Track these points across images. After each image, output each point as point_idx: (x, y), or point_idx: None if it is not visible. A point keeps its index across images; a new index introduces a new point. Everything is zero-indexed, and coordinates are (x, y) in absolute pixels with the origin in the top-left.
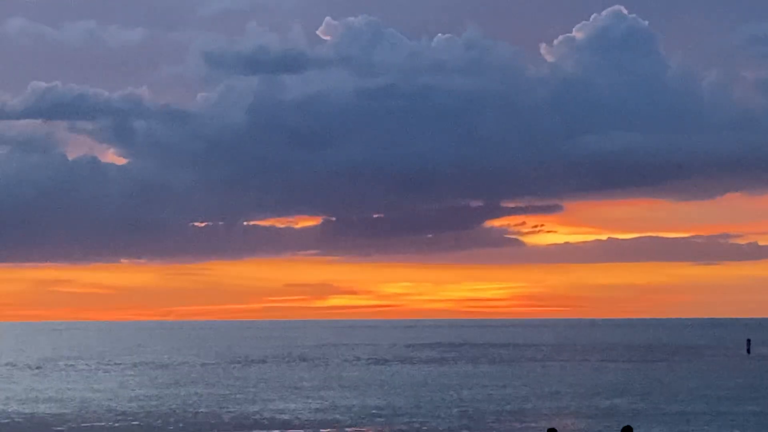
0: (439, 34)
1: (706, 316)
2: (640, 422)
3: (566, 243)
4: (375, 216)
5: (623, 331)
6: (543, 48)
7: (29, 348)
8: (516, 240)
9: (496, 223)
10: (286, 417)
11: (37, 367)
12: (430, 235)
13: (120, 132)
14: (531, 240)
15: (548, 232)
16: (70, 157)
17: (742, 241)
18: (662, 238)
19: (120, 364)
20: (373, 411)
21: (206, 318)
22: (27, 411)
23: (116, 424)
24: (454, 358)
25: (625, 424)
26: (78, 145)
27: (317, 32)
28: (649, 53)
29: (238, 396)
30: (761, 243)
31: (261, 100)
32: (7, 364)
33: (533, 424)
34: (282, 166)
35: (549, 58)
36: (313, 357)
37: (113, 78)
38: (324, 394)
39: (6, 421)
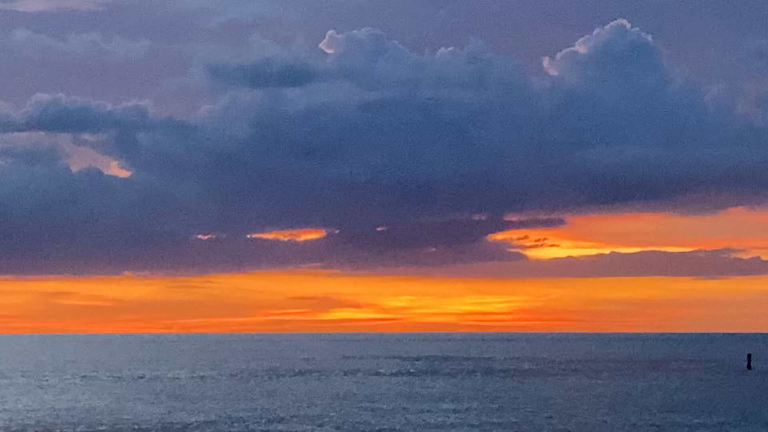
0: (442, 48)
1: (708, 331)
2: None
3: (569, 257)
4: (378, 229)
5: (624, 345)
6: (546, 62)
7: (30, 360)
8: (518, 254)
9: (499, 236)
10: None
11: (42, 380)
12: (432, 249)
13: (123, 144)
14: (534, 254)
15: (551, 245)
16: (74, 169)
17: (744, 256)
18: (665, 252)
19: (117, 377)
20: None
21: (208, 331)
22: (14, 427)
23: None
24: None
25: None
26: (81, 157)
27: (320, 45)
28: (652, 67)
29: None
30: (764, 258)
31: (265, 113)
32: (6, 377)
33: None
34: (285, 179)
35: (552, 72)
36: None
37: (117, 90)
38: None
39: None
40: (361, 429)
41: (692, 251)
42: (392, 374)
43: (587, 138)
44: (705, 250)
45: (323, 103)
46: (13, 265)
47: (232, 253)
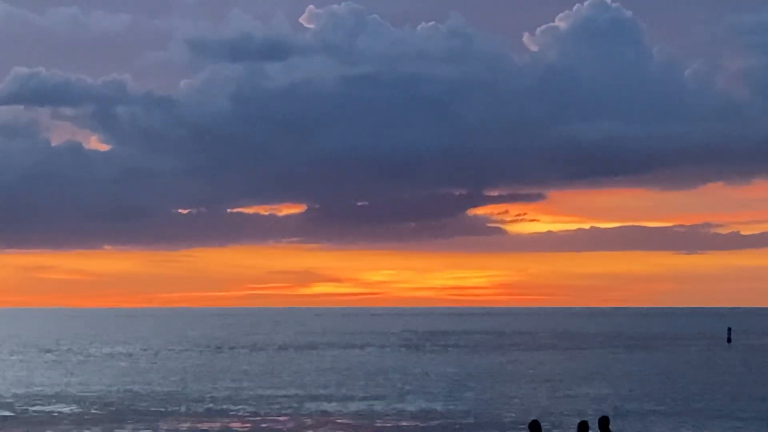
0: (423, 23)
1: (687, 306)
2: (616, 412)
3: (549, 232)
4: (359, 204)
5: (604, 320)
6: (526, 37)
7: (8, 334)
8: (499, 228)
9: (479, 211)
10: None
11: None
12: (413, 223)
13: (103, 118)
14: (514, 228)
15: (531, 220)
16: (54, 143)
17: (724, 231)
18: (644, 227)
19: (91, 352)
20: (347, 399)
21: (189, 305)
22: None
23: (83, 414)
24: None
25: (602, 415)
26: (61, 131)
27: (300, 20)
28: (632, 43)
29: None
30: (743, 233)
31: (244, 88)
32: None
33: (512, 415)
34: (266, 154)
35: (532, 48)
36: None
37: (97, 64)
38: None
39: None
40: (338, 401)
41: (672, 226)
42: (376, 348)
43: (567, 113)
44: (684, 225)
45: (303, 77)
46: None
47: (212, 228)
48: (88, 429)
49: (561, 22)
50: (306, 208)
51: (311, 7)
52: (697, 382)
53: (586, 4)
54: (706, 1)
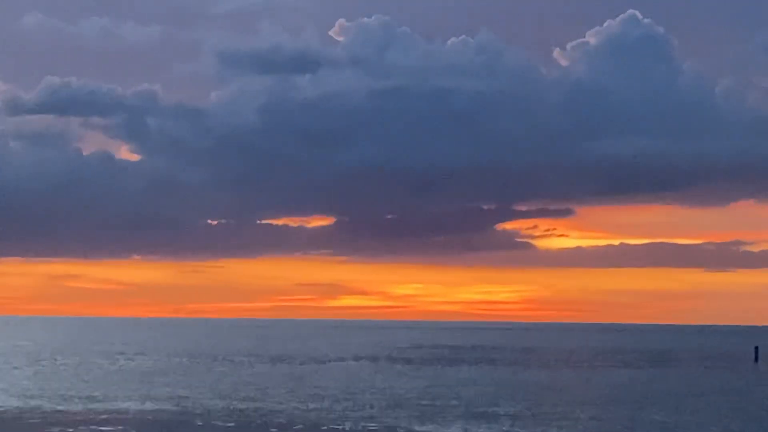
0: (453, 37)
1: (716, 323)
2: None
3: (578, 247)
4: (387, 217)
5: (632, 336)
6: (556, 52)
7: (33, 341)
8: (527, 243)
9: (508, 226)
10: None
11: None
12: (441, 237)
13: (133, 129)
14: (542, 244)
15: (560, 236)
16: (84, 152)
17: (754, 249)
18: (674, 244)
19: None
20: (353, 411)
21: (216, 316)
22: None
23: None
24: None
25: None
26: (92, 141)
27: (330, 33)
28: (663, 59)
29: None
30: None
31: (274, 100)
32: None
33: None
34: (295, 166)
35: (562, 63)
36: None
37: (127, 75)
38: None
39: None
40: (365, 417)
41: (701, 243)
42: (398, 362)
43: (597, 129)
44: (714, 243)
45: (333, 90)
46: (22, 246)
47: (241, 239)
48: None
49: (592, 38)
50: (334, 220)
51: (341, 20)
52: (724, 400)
53: (617, 19)
54: (738, 19)
